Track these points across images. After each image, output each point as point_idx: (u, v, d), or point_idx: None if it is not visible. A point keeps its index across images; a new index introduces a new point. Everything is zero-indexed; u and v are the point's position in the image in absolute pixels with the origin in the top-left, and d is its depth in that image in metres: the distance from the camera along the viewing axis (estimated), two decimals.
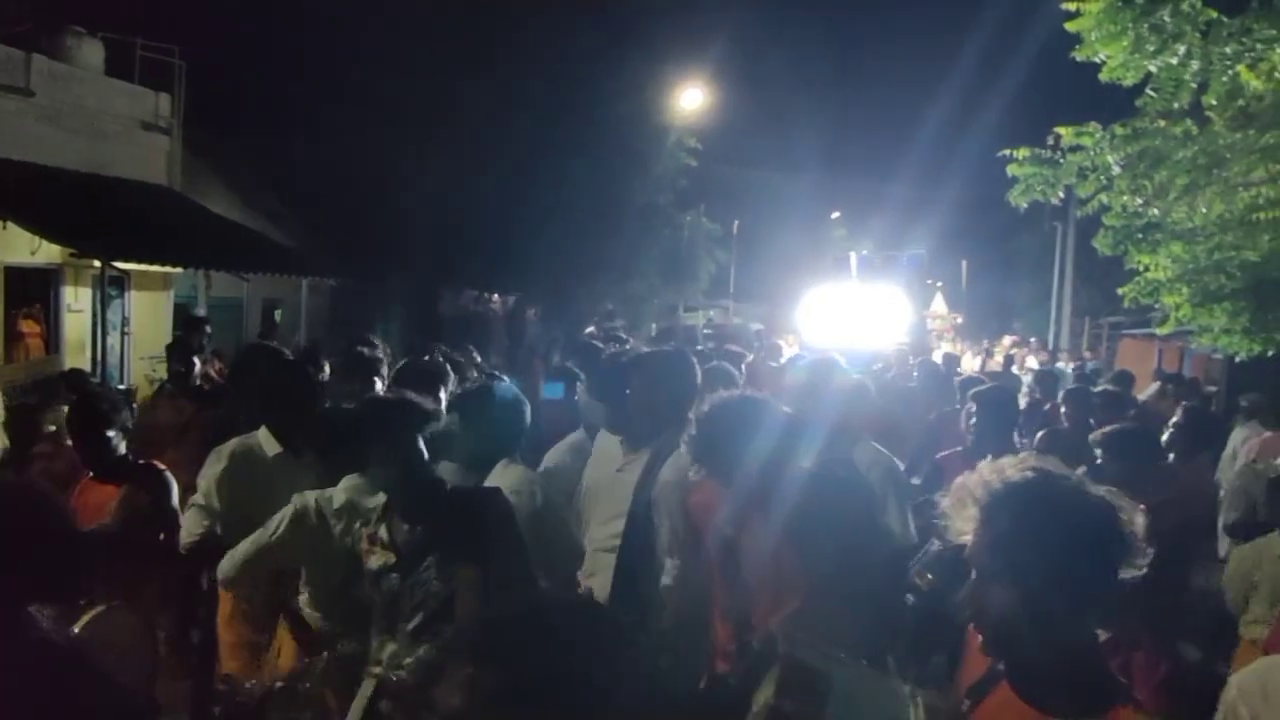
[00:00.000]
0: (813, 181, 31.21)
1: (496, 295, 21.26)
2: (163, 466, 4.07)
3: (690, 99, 19.17)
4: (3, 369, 10.14)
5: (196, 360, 7.38)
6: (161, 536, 3.87)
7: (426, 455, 2.73)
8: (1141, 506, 1.69)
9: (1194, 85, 7.32)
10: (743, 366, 6.21)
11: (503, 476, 3.26)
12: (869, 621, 2.85)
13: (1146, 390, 12.19)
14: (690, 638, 3.13)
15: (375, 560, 2.72)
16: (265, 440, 3.71)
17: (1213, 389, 14.00)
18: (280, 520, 3.09)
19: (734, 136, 23.26)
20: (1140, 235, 8.23)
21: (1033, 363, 18.12)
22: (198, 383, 6.92)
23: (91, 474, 3.84)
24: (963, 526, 1.70)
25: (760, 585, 2.89)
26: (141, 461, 3.98)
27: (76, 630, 2.96)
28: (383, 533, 2.74)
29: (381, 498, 2.85)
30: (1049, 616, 1.61)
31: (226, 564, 3.16)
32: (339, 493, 3.10)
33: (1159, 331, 10.16)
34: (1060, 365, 15.36)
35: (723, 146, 21.64)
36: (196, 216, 12.65)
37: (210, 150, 14.11)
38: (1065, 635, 1.64)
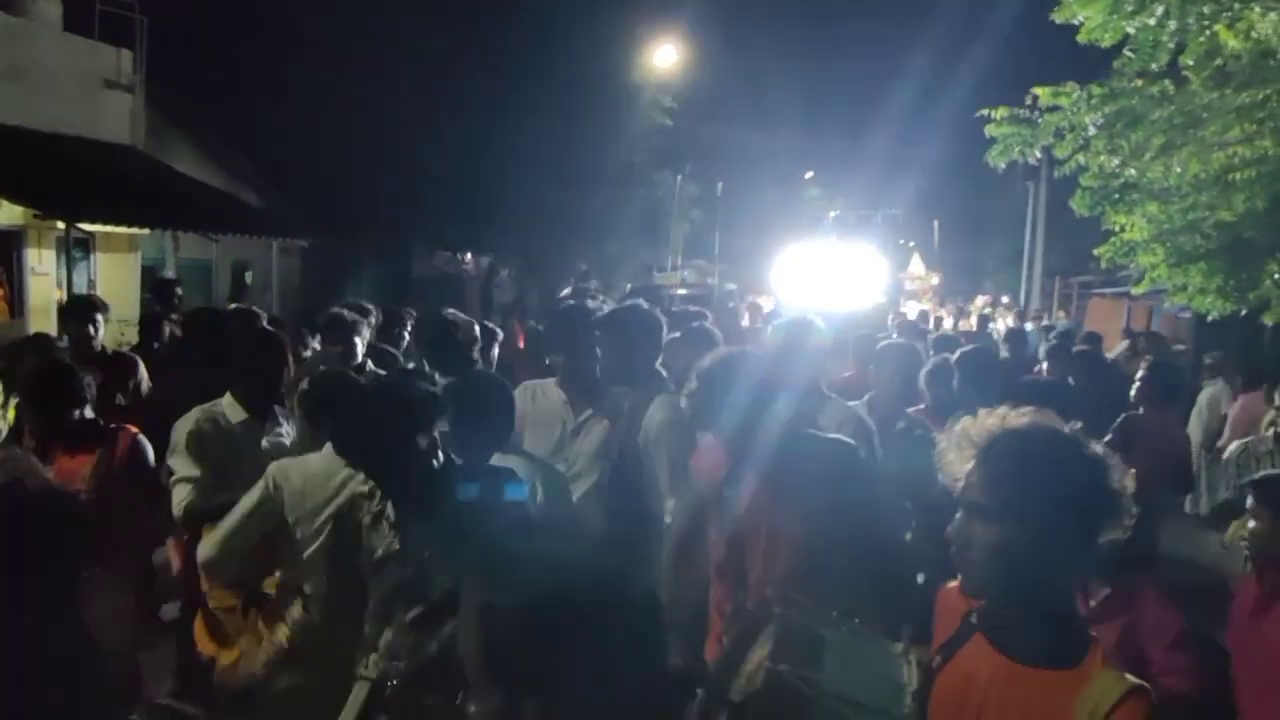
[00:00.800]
0: (787, 141, 31.11)
1: (470, 256, 21.09)
2: (135, 430, 4.01)
3: (664, 57, 18.98)
4: None
5: (165, 326, 7.27)
6: (139, 500, 3.84)
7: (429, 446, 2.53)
8: (1132, 471, 1.72)
9: (1171, 45, 7.32)
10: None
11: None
12: (862, 582, 2.89)
13: (1116, 348, 12.38)
14: (691, 583, 3.14)
15: (378, 540, 2.59)
16: (230, 407, 3.68)
17: (1181, 347, 14.19)
18: (256, 493, 2.99)
19: (708, 96, 23.07)
20: (1117, 196, 8.27)
21: (1007, 324, 18.29)
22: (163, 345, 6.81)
23: (62, 444, 3.71)
24: (959, 469, 1.74)
25: (753, 542, 2.91)
26: (112, 425, 3.91)
27: None
28: (389, 510, 2.59)
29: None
30: (1031, 559, 1.64)
31: (205, 547, 3.08)
32: (325, 459, 3.00)
33: (1134, 291, 10.22)
34: (1029, 326, 15.50)
35: (697, 106, 21.47)
36: (162, 176, 12.37)
37: (174, 108, 13.78)
38: (1042, 583, 1.68)
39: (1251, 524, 3.04)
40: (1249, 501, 3.07)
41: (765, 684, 2.12)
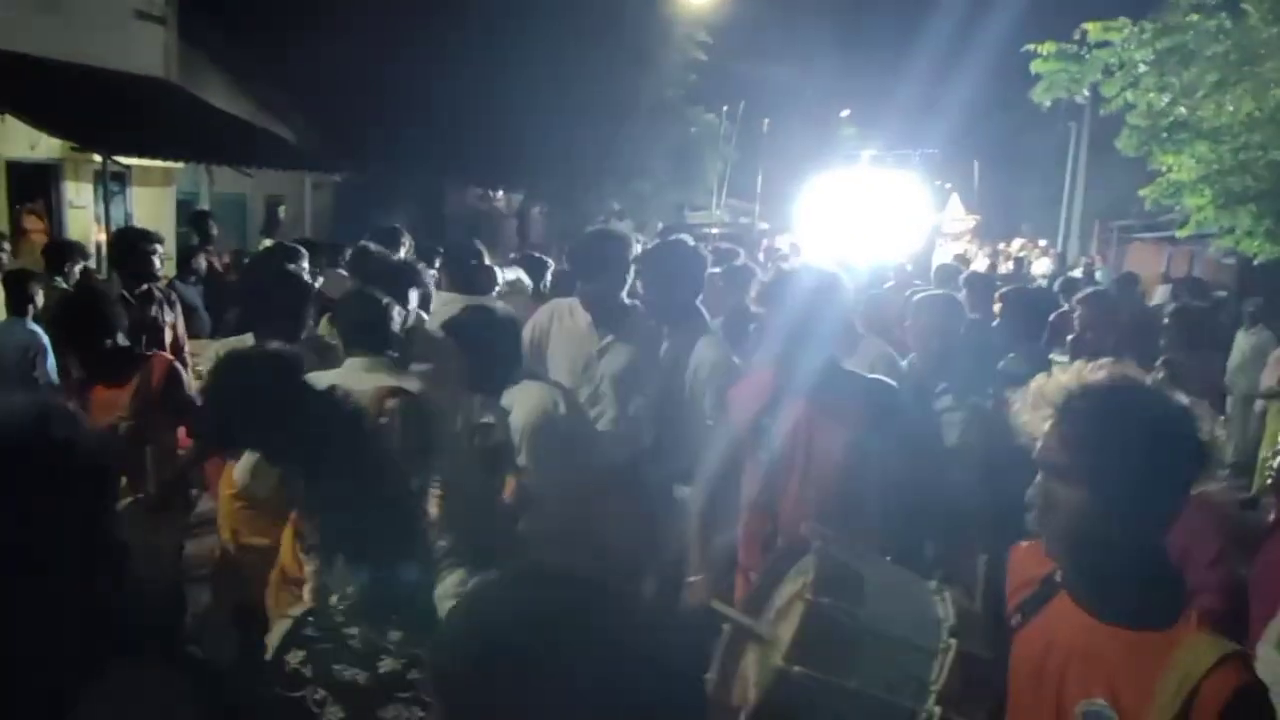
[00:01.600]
0: (823, 78, 30.49)
1: (501, 193, 20.99)
2: (170, 357, 4.05)
3: None
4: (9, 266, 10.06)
5: (203, 259, 7.33)
6: (176, 428, 3.90)
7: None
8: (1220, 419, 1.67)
9: None
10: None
11: (522, 397, 3.18)
12: (894, 520, 2.89)
13: (1156, 294, 12.15)
14: (722, 521, 3.15)
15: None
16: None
17: (1222, 294, 13.92)
18: None
19: (743, 31, 22.57)
20: (1165, 135, 8.07)
21: (1043, 266, 18.00)
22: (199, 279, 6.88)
23: (99, 374, 3.76)
24: (1036, 427, 1.67)
25: (789, 474, 2.92)
26: (148, 353, 3.95)
27: None
28: None
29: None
30: (1118, 519, 1.58)
31: (240, 471, 3.13)
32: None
33: (1179, 234, 10.00)
34: (1075, 273, 15.18)
35: (732, 41, 21.03)
36: (196, 109, 12.33)
37: (207, 40, 13.69)
38: (1133, 541, 1.61)
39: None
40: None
41: (808, 616, 2.13)
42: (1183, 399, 1.63)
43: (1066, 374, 1.68)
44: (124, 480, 3.48)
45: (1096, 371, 1.66)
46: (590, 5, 15.09)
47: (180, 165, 12.90)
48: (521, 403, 3.15)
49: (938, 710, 1.96)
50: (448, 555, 2.59)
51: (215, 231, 7.85)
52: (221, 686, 1.56)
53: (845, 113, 34.89)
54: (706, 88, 19.77)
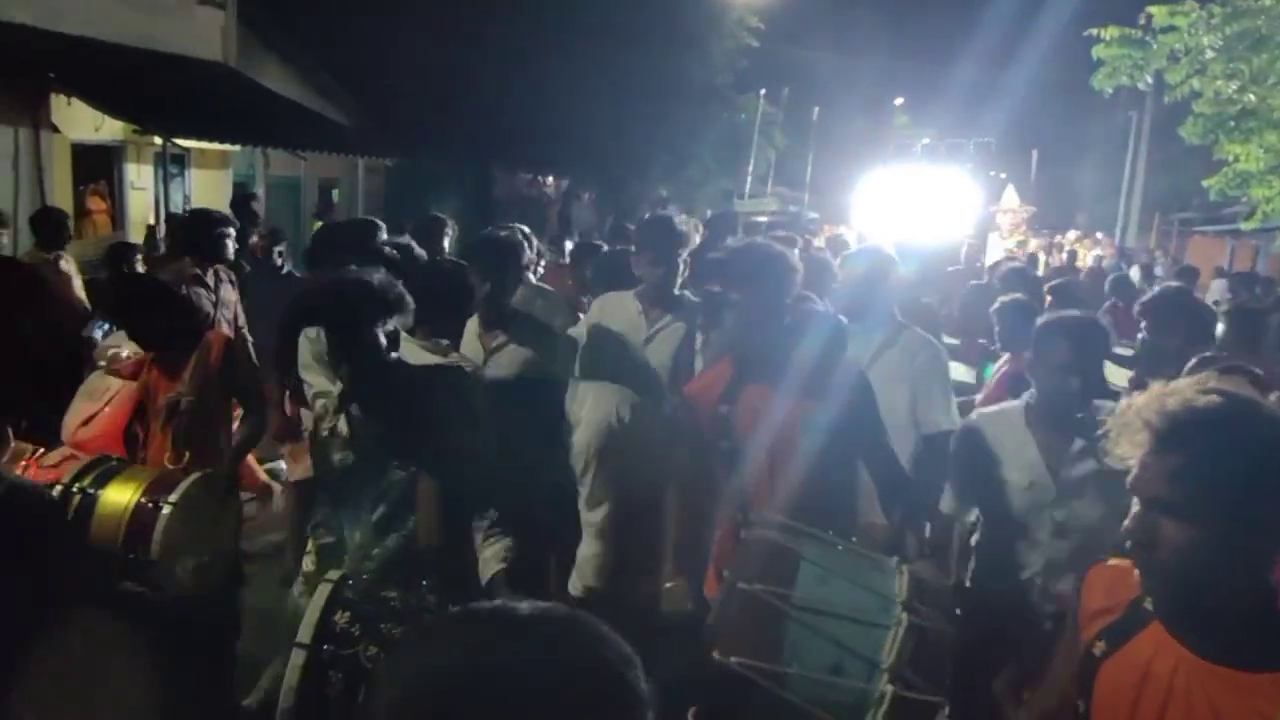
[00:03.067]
0: (877, 65, 30.08)
1: (550, 179, 21.04)
2: (227, 334, 4.12)
3: None
4: (74, 245, 10.33)
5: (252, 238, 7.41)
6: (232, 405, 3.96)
7: (386, 343, 2.58)
8: None
9: None
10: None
11: (592, 400, 3.15)
12: (853, 501, 2.94)
13: (1211, 289, 11.79)
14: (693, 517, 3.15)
15: (336, 453, 2.69)
16: None
17: None
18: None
19: (796, 16, 22.36)
20: (1233, 123, 7.83)
21: (1089, 258, 17.58)
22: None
23: (157, 353, 3.82)
24: (1129, 451, 1.52)
25: (755, 460, 2.90)
26: (206, 330, 4.02)
27: (175, 498, 3.08)
28: (341, 425, 2.69)
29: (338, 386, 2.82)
30: (1234, 559, 1.44)
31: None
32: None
33: (1244, 226, 9.73)
34: (1133, 271, 14.81)
35: (784, 27, 20.83)
36: (253, 94, 12.53)
37: (263, 25, 13.88)
38: (1246, 580, 1.47)
39: None
40: None
41: (736, 603, 2.13)
42: None
43: (1170, 394, 1.51)
44: (187, 456, 3.57)
45: (1203, 393, 1.49)
46: None
47: (237, 148, 13.11)
48: (591, 406, 3.17)
49: (890, 689, 1.94)
50: (495, 525, 2.64)
51: (261, 214, 7.96)
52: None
53: (899, 101, 34.41)
54: (757, 74, 19.61)
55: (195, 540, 3.16)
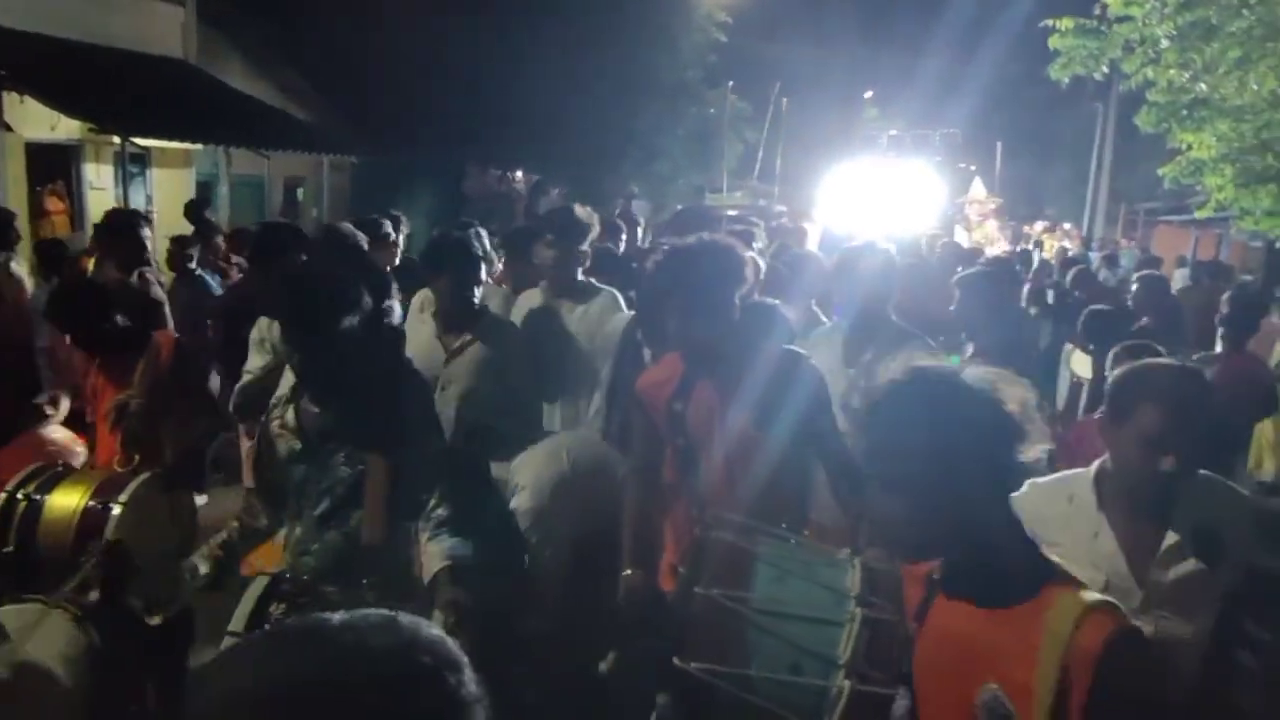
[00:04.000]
0: (845, 59, 30.19)
1: (520, 175, 20.98)
2: (174, 335, 4.09)
3: None
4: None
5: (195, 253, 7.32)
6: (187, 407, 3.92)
7: (344, 335, 2.56)
8: (1027, 382, 1.62)
9: None
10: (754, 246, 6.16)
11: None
12: (804, 496, 2.92)
13: (1174, 279, 11.92)
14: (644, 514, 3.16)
15: (283, 445, 2.66)
16: None
17: (1249, 278, 13.72)
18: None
19: (764, 11, 22.40)
20: (1185, 112, 7.93)
21: (1053, 248, 17.73)
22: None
23: (102, 355, 3.80)
24: (855, 437, 1.70)
25: (706, 457, 2.88)
26: (155, 331, 3.98)
27: (125, 498, 3.06)
28: (289, 417, 2.67)
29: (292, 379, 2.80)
30: (944, 515, 1.57)
31: (237, 397, 3.58)
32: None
33: (1198, 215, 9.86)
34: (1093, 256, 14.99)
35: (753, 22, 20.87)
36: (215, 92, 12.42)
37: (225, 21, 13.75)
38: (969, 531, 1.59)
39: None
40: None
41: (695, 608, 2.14)
42: (978, 376, 1.60)
43: (880, 380, 1.65)
44: (138, 458, 3.54)
45: (891, 373, 1.63)
46: None
47: (199, 147, 12.97)
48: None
49: (848, 684, 1.97)
50: (440, 525, 2.63)
51: (212, 218, 7.85)
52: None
53: (868, 94, 34.54)
54: (726, 69, 19.62)
55: (148, 540, 3.13)
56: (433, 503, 2.64)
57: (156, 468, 3.46)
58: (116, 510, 3.03)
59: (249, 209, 14.90)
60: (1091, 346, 5.16)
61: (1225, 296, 5.18)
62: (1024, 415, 1.58)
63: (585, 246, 4.14)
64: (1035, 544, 1.65)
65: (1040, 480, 2.28)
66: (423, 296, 4.09)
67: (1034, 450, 1.58)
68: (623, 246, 5.94)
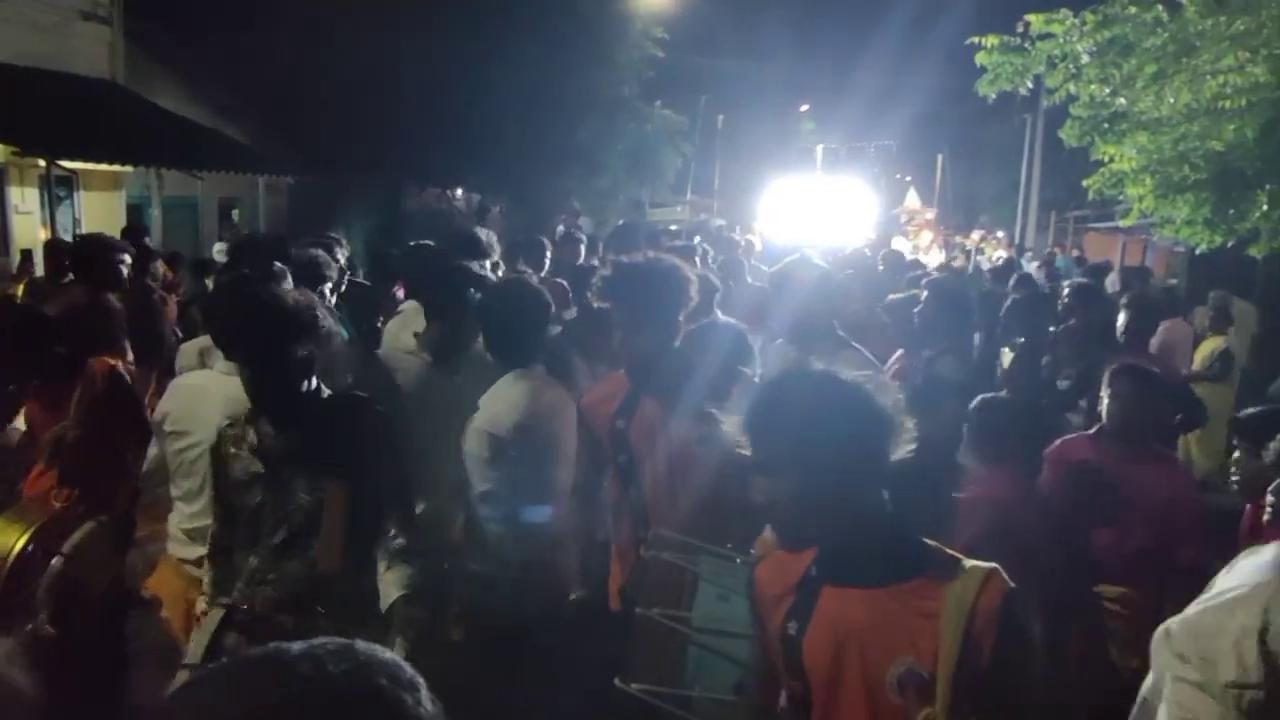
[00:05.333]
0: (781, 73, 30.55)
1: (460, 192, 20.86)
2: (114, 361, 3.99)
3: None
4: None
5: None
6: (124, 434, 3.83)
7: (303, 360, 2.53)
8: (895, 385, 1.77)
9: None
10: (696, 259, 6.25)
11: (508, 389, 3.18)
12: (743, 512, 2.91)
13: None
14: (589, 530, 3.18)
15: (240, 467, 2.59)
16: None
17: (1173, 282, 14.19)
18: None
19: (700, 26, 22.62)
20: (1107, 125, 8.19)
21: (998, 256, 18.19)
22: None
23: (36, 383, 3.66)
24: (742, 435, 1.79)
25: (649, 474, 2.90)
26: (91, 359, 3.89)
27: (68, 550, 3.00)
28: (250, 436, 2.59)
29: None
30: (827, 500, 1.70)
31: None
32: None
33: (1122, 224, 10.20)
34: (1029, 264, 15.42)
35: (689, 37, 21.04)
36: (145, 112, 12.18)
37: (155, 41, 13.51)
38: (852, 515, 1.73)
39: (1235, 455, 3.31)
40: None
41: (637, 629, 2.16)
42: (853, 375, 1.75)
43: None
44: (76, 493, 3.44)
45: (784, 370, 1.80)
46: (547, 2, 15.04)
47: (129, 169, 12.70)
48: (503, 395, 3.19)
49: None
50: (399, 553, 2.61)
51: (148, 243, 7.73)
52: None
53: (804, 107, 35.02)
54: (664, 84, 19.75)
55: (89, 577, 3.08)
56: (391, 532, 2.61)
57: (96, 503, 3.39)
58: (57, 563, 2.98)
59: (182, 231, 14.64)
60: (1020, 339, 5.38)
61: (1123, 301, 5.39)
62: (895, 414, 1.73)
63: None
64: (909, 525, 1.80)
65: None
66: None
67: (901, 450, 1.72)
68: (547, 266, 5.90)
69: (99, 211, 12.82)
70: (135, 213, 13.22)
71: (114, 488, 3.66)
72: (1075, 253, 21.27)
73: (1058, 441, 3.77)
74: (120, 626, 3.57)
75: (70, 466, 3.48)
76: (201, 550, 2.91)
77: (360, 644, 0.88)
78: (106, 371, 3.78)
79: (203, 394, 3.18)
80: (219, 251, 12.69)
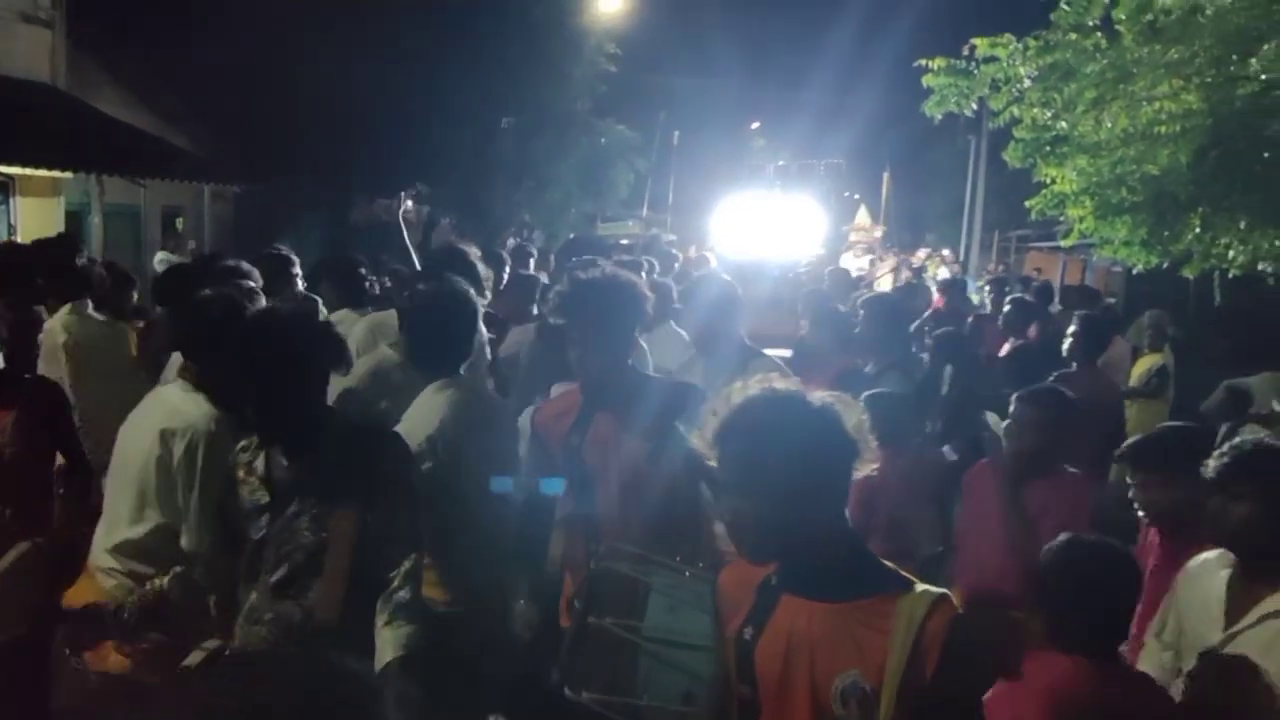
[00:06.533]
0: (733, 91, 30.92)
1: (410, 204, 20.69)
2: (55, 381, 3.90)
3: (609, 2, 18.65)
4: None
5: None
6: (62, 457, 3.73)
7: (317, 383, 2.42)
8: (860, 405, 1.84)
9: (1106, 0, 7.42)
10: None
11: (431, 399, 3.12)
12: (695, 527, 2.90)
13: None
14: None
15: (248, 493, 2.46)
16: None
17: (1112, 300, 14.56)
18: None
19: (654, 43, 22.80)
20: (1048, 148, 8.41)
21: (943, 273, 18.50)
22: None
23: None
24: (709, 452, 1.84)
25: (602, 489, 2.90)
26: (28, 376, 3.79)
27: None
28: (259, 464, 2.45)
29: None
30: (793, 519, 1.76)
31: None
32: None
33: (1063, 244, 10.48)
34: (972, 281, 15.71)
35: (642, 53, 21.18)
36: (86, 117, 11.92)
37: (98, 46, 13.23)
38: (815, 534, 1.79)
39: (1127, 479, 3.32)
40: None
41: (587, 638, 2.16)
42: (822, 398, 1.81)
43: (730, 395, 1.84)
44: (9, 513, 3.34)
45: (745, 391, 1.82)
46: (500, 15, 15.02)
47: (68, 175, 12.40)
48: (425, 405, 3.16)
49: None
50: (405, 607, 2.40)
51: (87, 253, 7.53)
52: None
53: (756, 124, 35.40)
54: (619, 100, 19.84)
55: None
56: (395, 582, 2.40)
57: (30, 522, 3.30)
58: None
59: (124, 240, 14.32)
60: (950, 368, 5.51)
61: (1074, 319, 5.54)
62: (859, 435, 1.79)
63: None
64: (866, 546, 1.87)
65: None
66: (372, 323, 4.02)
67: (866, 468, 1.79)
68: (505, 280, 5.90)
69: (37, 218, 12.47)
70: (75, 220, 12.89)
71: (49, 508, 3.57)
72: (999, 268, 21.70)
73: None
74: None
75: (3, 486, 3.39)
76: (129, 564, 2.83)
77: (320, 655, 0.88)
78: (51, 390, 3.70)
79: (148, 409, 3.06)
80: (160, 261, 12.45)
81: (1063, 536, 2.52)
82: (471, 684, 2.86)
